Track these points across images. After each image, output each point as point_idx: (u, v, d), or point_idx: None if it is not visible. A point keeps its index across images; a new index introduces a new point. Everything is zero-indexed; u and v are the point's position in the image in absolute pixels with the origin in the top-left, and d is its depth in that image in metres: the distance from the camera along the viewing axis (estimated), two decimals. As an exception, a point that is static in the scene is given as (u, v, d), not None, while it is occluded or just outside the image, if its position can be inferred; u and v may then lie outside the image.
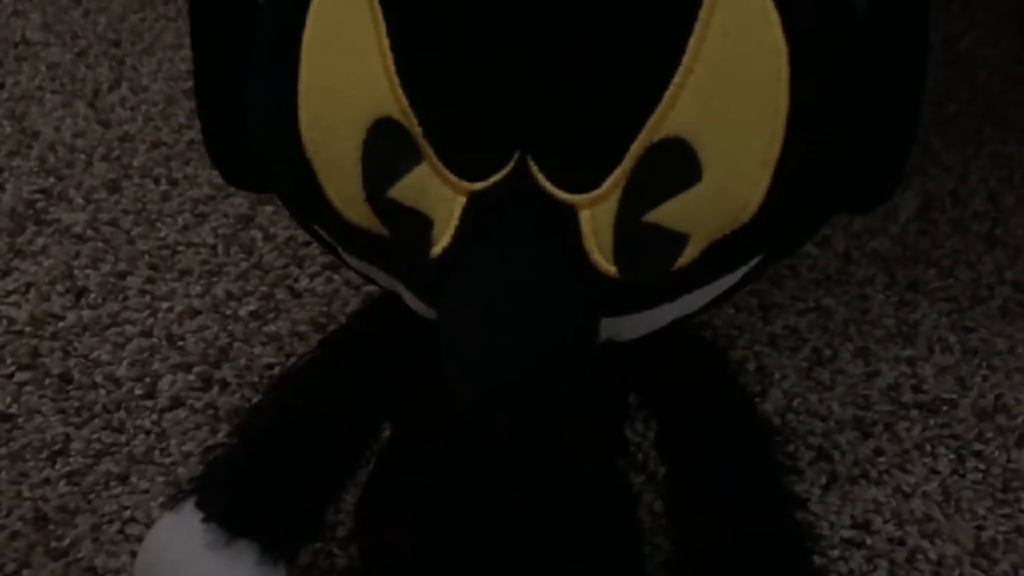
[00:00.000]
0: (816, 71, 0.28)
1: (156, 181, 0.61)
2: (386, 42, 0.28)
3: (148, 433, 0.47)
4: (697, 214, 0.28)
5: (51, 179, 0.61)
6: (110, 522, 0.44)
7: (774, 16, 0.27)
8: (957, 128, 0.69)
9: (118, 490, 0.45)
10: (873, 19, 0.31)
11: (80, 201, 0.59)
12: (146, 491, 0.45)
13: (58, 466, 0.45)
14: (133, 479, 0.45)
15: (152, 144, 0.64)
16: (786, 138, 0.28)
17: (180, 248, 0.57)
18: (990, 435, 0.50)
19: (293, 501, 0.37)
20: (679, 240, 0.28)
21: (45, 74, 0.69)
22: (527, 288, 0.27)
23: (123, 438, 0.47)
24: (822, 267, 0.58)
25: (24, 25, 0.74)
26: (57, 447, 0.46)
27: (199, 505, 0.36)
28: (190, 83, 0.69)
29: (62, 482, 0.45)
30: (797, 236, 0.32)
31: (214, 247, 0.57)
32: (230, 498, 0.36)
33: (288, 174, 0.31)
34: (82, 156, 0.63)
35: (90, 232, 0.57)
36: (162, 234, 0.58)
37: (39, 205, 0.59)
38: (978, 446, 0.50)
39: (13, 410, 0.48)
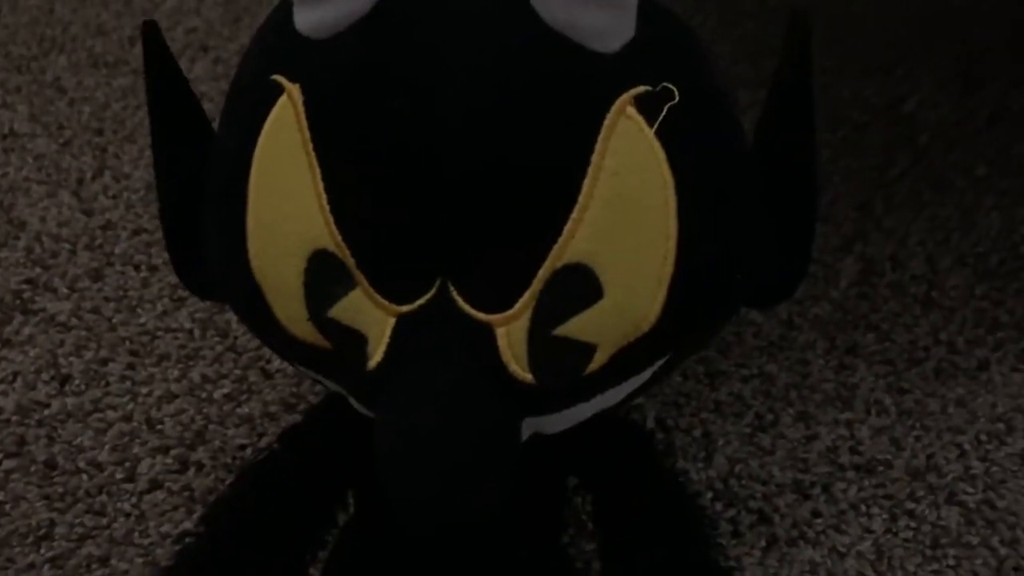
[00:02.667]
0: (701, 197, 0.32)
1: (136, 268, 0.65)
2: (320, 184, 0.31)
3: (128, 516, 0.50)
4: (601, 327, 0.31)
5: (37, 269, 0.64)
6: (91, 604, 0.46)
7: (660, 154, 0.31)
8: (899, 192, 0.73)
9: (99, 573, 0.48)
10: (760, 140, 0.35)
11: (64, 290, 0.63)
12: (126, 572, 0.48)
13: (43, 551, 0.48)
14: (114, 561, 0.48)
15: (133, 231, 0.67)
16: (678, 259, 0.31)
17: (159, 333, 0.60)
18: (921, 494, 0.53)
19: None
20: (587, 349, 0.32)
21: (32, 165, 0.73)
22: (450, 401, 0.31)
23: (104, 521, 0.50)
24: (765, 334, 0.62)
25: (12, 117, 0.77)
26: (42, 532, 0.49)
27: (170, 591, 0.39)
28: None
29: (47, 567, 0.48)
30: (697, 340, 0.35)
31: (191, 331, 0.60)
32: (198, 583, 0.40)
33: (240, 294, 0.34)
34: (66, 245, 0.66)
35: (74, 320, 0.61)
36: (142, 320, 0.61)
37: (25, 295, 0.62)
38: (910, 505, 0.53)
39: (0, 497, 0.51)
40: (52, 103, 0.79)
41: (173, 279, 0.64)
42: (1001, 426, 0.57)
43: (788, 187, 0.35)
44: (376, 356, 0.32)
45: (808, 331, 0.62)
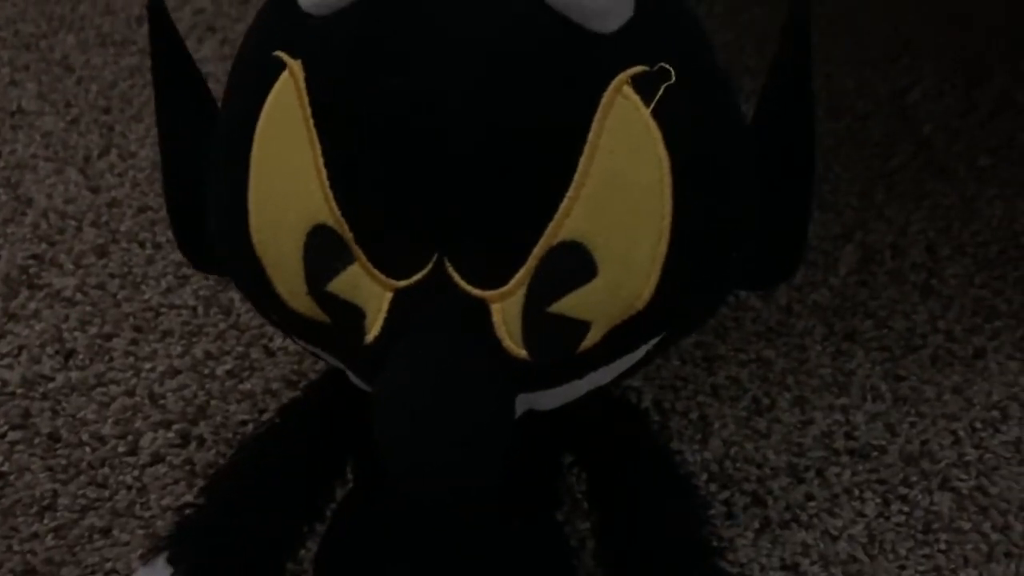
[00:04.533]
0: (697, 178, 0.32)
1: (142, 245, 0.65)
2: (321, 160, 0.32)
3: (130, 488, 0.51)
4: (595, 305, 0.32)
5: (43, 245, 0.65)
6: (93, 574, 0.47)
7: (656, 133, 0.31)
8: (900, 181, 0.73)
9: (101, 543, 0.49)
10: (758, 122, 0.35)
11: (70, 266, 0.63)
12: (127, 544, 0.49)
13: (46, 521, 0.49)
14: (115, 532, 0.49)
15: (138, 209, 0.68)
16: (672, 237, 0.32)
17: (163, 310, 0.61)
18: (914, 479, 0.54)
19: (255, 555, 0.41)
20: (581, 327, 0.32)
21: (39, 142, 0.74)
22: (446, 373, 0.31)
23: (107, 493, 0.51)
24: (764, 319, 0.62)
25: (20, 95, 0.78)
26: (45, 503, 0.50)
27: (171, 560, 0.40)
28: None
29: (49, 536, 0.49)
30: (691, 319, 0.36)
31: (195, 308, 0.61)
32: (199, 553, 0.40)
33: (242, 268, 0.35)
34: (72, 222, 0.67)
35: (79, 296, 0.61)
36: (146, 296, 0.62)
37: (32, 270, 0.63)
38: (903, 490, 0.53)
39: (5, 468, 0.52)
40: (60, 81, 0.80)
41: (177, 257, 0.64)
42: (996, 414, 0.57)
43: (785, 169, 0.35)
44: (373, 330, 0.32)
45: (807, 317, 0.62)
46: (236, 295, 0.62)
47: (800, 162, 0.36)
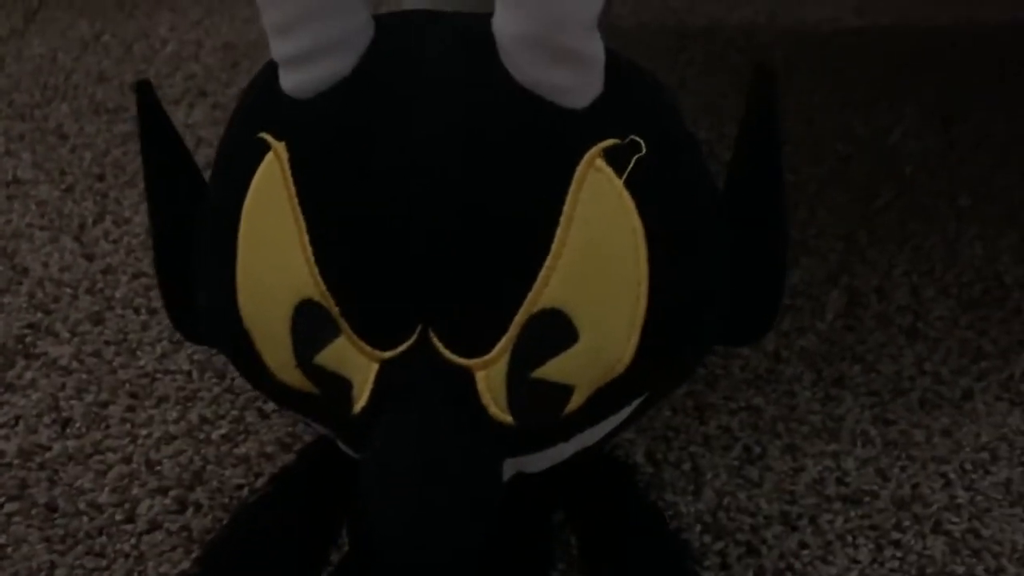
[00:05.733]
0: (671, 243, 0.33)
1: (136, 311, 0.66)
2: (306, 237, 0.33)
3: (127, 557, 0.51)
4: (578, 369, 0.33)
5: (39, 314, 0.66)
6: (91, 644, 0.47)
7: (629, 203, 0.32)
8: (884, 223, 0.75)
9: (99, 613, 0.49)
10: (730, 185, 0.36)
11: (66, 334, 0.64)
12: (125, 613, 0.49)
13: (44, 593, 0.50)
14: (113, 602, 0.49)
15: (133, 275, 0.69)
16: (649, 302, 0.33)
17: (158, 376, 0.61)
18: (907, 523, 0.54)
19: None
20: (565, 391, 0.33)
21: (35, 211, 0.75)
22: (431, 443, 0.32)
23: (104, 563, 0.51)
24: (753, 367, 0.63)
25: (16, 165, 0.79)
26: (43, 574, 0.50)
27: (167, 631, 0.40)
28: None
29: (47, 608, 0.49)
30: (670, 379, 0.37)
31: (189, 373, 0.61)
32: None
33: (231, 342, 0.36)
34: (68, 290, 0.68)
35: (75, 364, 0.62)
36: (142, 363, 0.62)
37: (28, 339, 0.64)
38: (896, 535, 0.53)
39: (2, 540, 0.52)
40: (55, 150, 0.81)
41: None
42: (986, 455, 0.58)
43: (757, 229, 0.36)
44: (361, 401, 0.33)
45: (795, 363, 0.63)
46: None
47: (772, 222, 0.37)
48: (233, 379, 0.61)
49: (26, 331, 0.64)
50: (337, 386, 0.33)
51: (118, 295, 0.67)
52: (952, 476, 0.56)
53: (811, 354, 0.64)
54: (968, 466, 0.57)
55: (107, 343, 0.64)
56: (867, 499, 0.55)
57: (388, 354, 0.32)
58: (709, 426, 0.59)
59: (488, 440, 0.33)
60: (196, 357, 0.63)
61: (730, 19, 1.04)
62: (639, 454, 0.57)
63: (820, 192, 0.78)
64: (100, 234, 0.73)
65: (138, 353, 0.63)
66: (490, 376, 0.32)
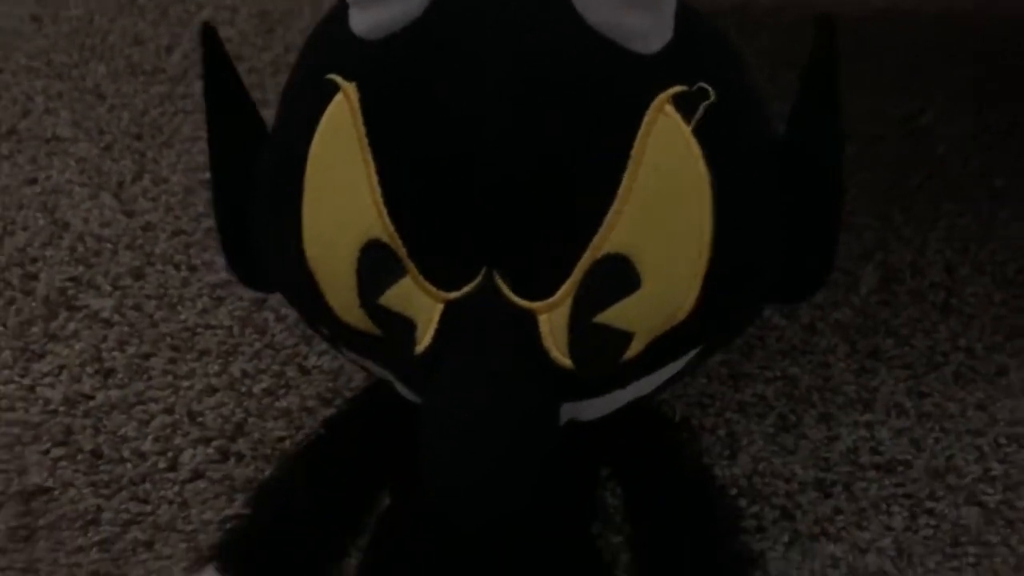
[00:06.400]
0: (735, 193, 0.33)
1: (176, 267, 0.67)
2: (375, 178, 0.33)
3: (171, 503, 0.52)
4: (638, 316, 0.33)
5: (81, 267, 0.66)
6: (138, 586, 0.48)
7: (696, 150, 0.32)
8: (917, 202, 0.74)
9: (144, 556, 0.50)
10: (790, 139, 0.37)
11: (107, 288, 0.65)
12: (169, 557, 0.50)
13: (91, 535, 0.50)
14: (158, 546, 0.50)
15: (172, 232, 0.69)
16: (712, 252, 0.33)
17: (199, 330, 0.62)
18: (941, 493, 0.54)
19: (302, 565, 0.42)
20: (625, 337, 0.33)
21: (74, 168, 0.75)
22: (494, 385, 0.32)
23: (149, 508, 0.52)
24: (788, 338, 0.63)
25: (55, 123, 0.80)
26: (90, 517, 0.51)
27: (219, 568, 0.41)
28: (207, 174, 0.75)
29: (95, 549, 0.50)
30: (729, 331, 0.37)
31: (230, 328, 0.62)
32: (247, 562, 0.41)
33: (294, 283, 0.36)
34: (108, 245, 0.68)
35: (117, 317, 0.63)
36: (183, 317, 0.63)
37: (70, 292, 0.65)
38: (930, 504, 0.54)
39: (50, 484, 0.53)
40: (93, 109, 0.82)
41: (212, 279, 0.66)
42: (1020, 429, 0.58)
43: (817, 182, 0.36)
44: (424, 341, 0.33)
45: (830, 335, 0.63)
46: (271, 315, 0.63)
47: (831, 174, 0.37)
48: (274, 335, 0.62)
49: (68, 284, 0.65)
50: (400, 327, 0.34)
51: (158, 251, 0.68)
52: (986, 449, 0.57)
53: (845, 327, 0.64)
54: (1003, 440, 0.57)
55: (148, 297, 0.64)
56: (901, 468, 0.56)
57: (453, 295, 0.33)
58: (744, 394, 0.60)
59: (548, 384, 0.33)
60: (237, 313, 0.63)
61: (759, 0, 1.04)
62: (671, 414, 0.58)
63: (853, 171, 0.78)
64: (139, 192, 0.73)
65: (179, 308, 0.64)
66: (553, 320, 0.33)
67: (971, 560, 0.52)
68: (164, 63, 0.88)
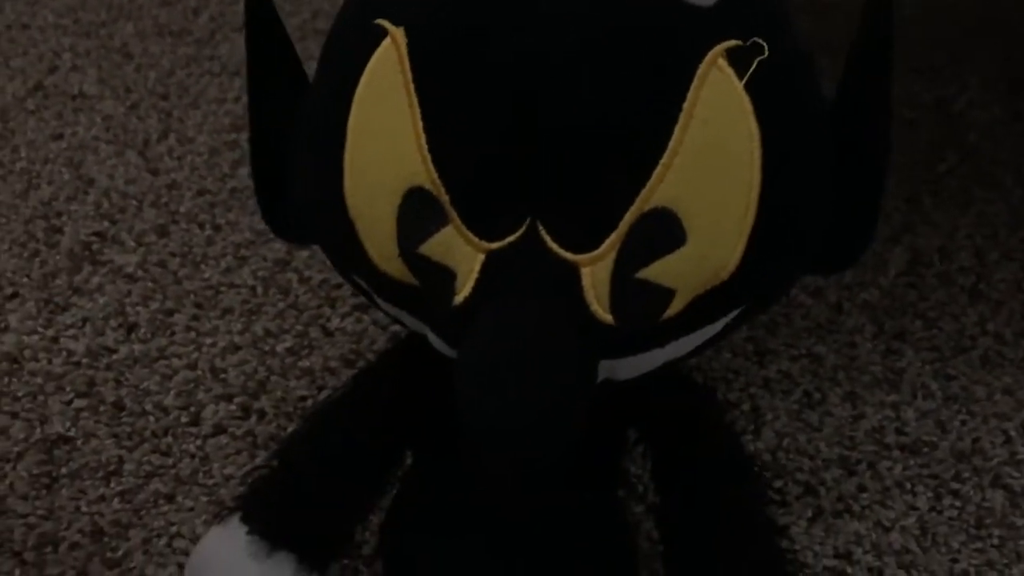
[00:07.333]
0: (784, 152, 0.33)
1: (201, 226, 0.66)
2: (420, 124, 0.33)
3: (193, 457, 0.52)
4: (682, 273, 0.33)
5: (105, 223, 0.66)
6: (159, 536, 0.48)
7: (748, 106, 0.32)
8: (947, 187, 0.74)
9: (166, 508, 0.50)
10: (840, 103, 0.36)
11: (132, 244, 0.65)
12: (191, 509, 0.50)
13: (112, 485, 0.50)
14: (179, 498, 0.50)
15: (197, 192, 0.69)
16: (759, 211, 0.32)
17: (223, 288, 0.62)
18: (966, 475, 0.54)
19: (327, 519, 0.42)
20: (667, 295, 0.33)
21: (100, 125, 0.75)
22: (533, 336, 0.32)
23: (170, 461, 0.52)
24: (814, 316, 0.63)
25: (82, 80, 0.80)
26: (111, 468, 0.51)
27: (244, 519, 0.41)
28: (232, 135, 0.75)
29: (116, 499, 0.50)
30: (770, 293, 0.36)
31: (254, 288, 0.62)
32: (271, 514, 0.41)
33: (332, 231, 0.36)
34: (133, 202, 0.68)
35: (140, 272, 0.63)
36: (206, 275, 0.63)
37: (95, 247, 0.64)
38: (955, 485, 0.54)
39: (72, 433, 0.53)
40: (119, 68, 0.82)
41: (236, 238, 0.66)
42: (1047, 415, 0.58)
43: (864, 147, 0.36)
44: (464, 291, 0.33)
45: (857, 316, 0.63)
46: (294, 276, 0.63)
47: (878, 141, 0.37)
48: (297, 296, 0.62)
49: (93, 239, 0.65)
50: (440, 277, 0.33)
51: (182, 210, 0.68)
52: (1013, 433, 0.56)
53: (873, 308, 0.63)
54: (1029, 424, 0.57)
55: (172, 254, 0.64)
56: (926, 449, 0.55)
57: (495, 245, 0.32)
58: (769, 370, 0.59)
59: (588, 338, 0.33)
60: (260, 273, 0.63)
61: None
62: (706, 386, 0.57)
63: (884, 153, 0.77)
64: (164, 151, 0.73)
65: (202, 266, 0.64)
66: (595, 273, 0.32)
67: (995, 542, 0.51)
68: (191, 24, 0.87)
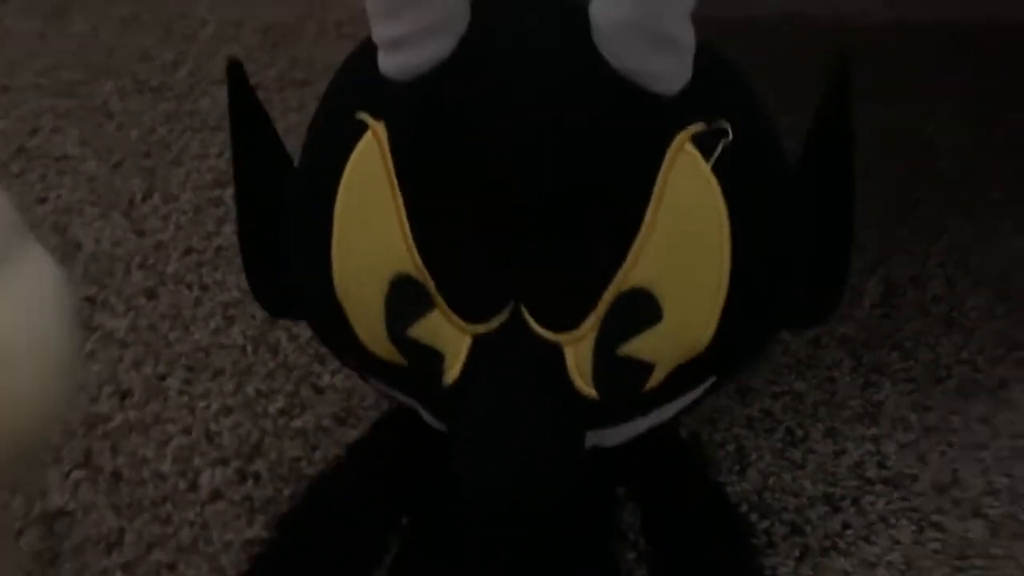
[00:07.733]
0: (752, 227, 0.34)
1: (189, 287, 0.67)
2: (404, 213, 0.34)
3: (192, 524, 0.53)
4: (660, 348, 0.34)
5: (94, 288, 0.67)
6: (162, 607, 0.49)
7: (716, 187, 0.33)
8: (918, 216, 0.76)
9: (168, 578, 0.50)
10: (804, 168, 0.38)
11: (121, 308, 0.66)
12: (192, 578, 0.50)
13: (114, 557, 0.51)
14: (181, 567, 0.51)
15: (184, 251, 0.70)
16: (731, 284, 0.34)
17: (213, 350, 0.63)
18: (947, 507, 0.55)
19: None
20: (647, 367, 0.34)
21: (84, 187, 0.76)
22: (523, 415, 0.33)
23: (170, 530, 0.52)
24: (794, 352, 0.64)
25: (64, 141, 0.81)
26: (112, 539, 0.52)
27: (246, 593, 0.42)
28: (216, 191, 0.76)
29: (119, 572, 0.50)
30: (745, 360, 0.38)
31: (244, 348, 0.63)
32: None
33: (323, 314, 0.37)
34: (121, 265, 0.69)
35: (131, 337, 0.64)
36: (196, 337, 0.64)
37: (85, 312, 0.65)
38: (936, 517, 0.55)
39: (71, 506, 0.53)
40: (101, 127, 0.82)
41: (224, 298, 0.67)
42: (1022, 442, 0.59)
43: (830, 213, 0.37)
44: (453, 373, 0.34)
45: (835, 350, 0.64)
46: (283, 335, 0.64)
47: (843, 205, 0.38)
48: (287, 355, 0.63)
49: (83, 304, 0.66)
50: (429, 358, 0.35)
51: (170, 270, 0.69)
52: (989, 462, 0.58)
53: (850, 341, 0.65)
54: (1005, 452, 0.58)
55: (162, 317, 0.65)
56: (907, 482, 0.57)
57: (481, 328, 0.34)
58: (752, 408, 0.61)
59: (574, 413, 0.34)
60: (249, 332, 0.64)
61: (762, 12, 1.05)
62: (684, 435, 0.59)
63: (856, 184, 0.79)
64: (149, 210, 0.74)
65: (191, 328, 0.64)
66: (578, 352, 0.34)
67: (978, 573, 0.53)
68: (171, 79, 0.88)
